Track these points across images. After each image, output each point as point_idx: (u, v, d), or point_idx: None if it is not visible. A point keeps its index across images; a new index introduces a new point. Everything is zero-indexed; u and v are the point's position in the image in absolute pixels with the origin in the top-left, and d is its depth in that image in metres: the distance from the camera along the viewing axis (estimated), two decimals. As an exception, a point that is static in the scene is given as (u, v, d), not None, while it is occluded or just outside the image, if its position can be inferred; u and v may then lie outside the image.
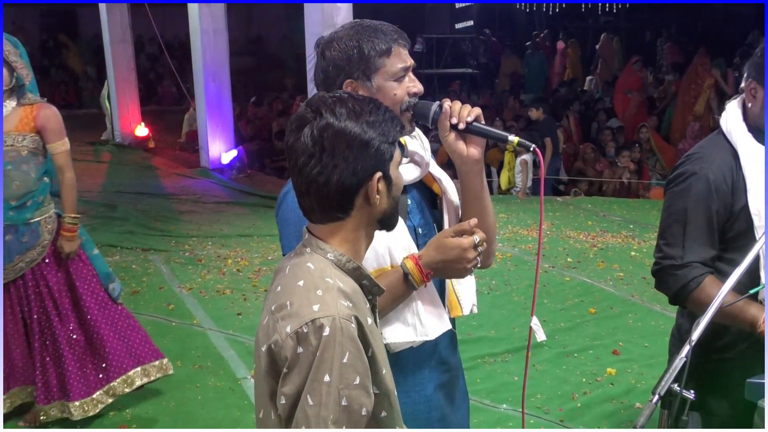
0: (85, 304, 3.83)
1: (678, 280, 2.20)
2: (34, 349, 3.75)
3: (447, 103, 1.86)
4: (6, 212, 3.62)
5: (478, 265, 1.85)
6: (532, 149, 1.84)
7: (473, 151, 1.88)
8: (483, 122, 1.87)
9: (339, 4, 6.76)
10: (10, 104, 3.64)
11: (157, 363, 4.02)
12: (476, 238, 1.80)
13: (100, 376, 3.85)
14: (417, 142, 1.95)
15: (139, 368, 3.95)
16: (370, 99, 1.57)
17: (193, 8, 9.83)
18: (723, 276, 2.10)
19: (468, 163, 1.89)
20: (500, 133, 1.87)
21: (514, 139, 1.84)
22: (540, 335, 1.99)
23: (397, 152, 1.57)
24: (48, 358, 3.77)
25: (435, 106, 1.86)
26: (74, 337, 3.80)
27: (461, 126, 1.85)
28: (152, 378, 3.99)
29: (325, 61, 1.87)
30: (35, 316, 3.74)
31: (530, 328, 1.98)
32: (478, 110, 1.86)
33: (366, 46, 1.83)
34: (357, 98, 1.55)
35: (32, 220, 3.73)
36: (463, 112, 1.85)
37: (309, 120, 1.51)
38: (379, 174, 1.53)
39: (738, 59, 10.97)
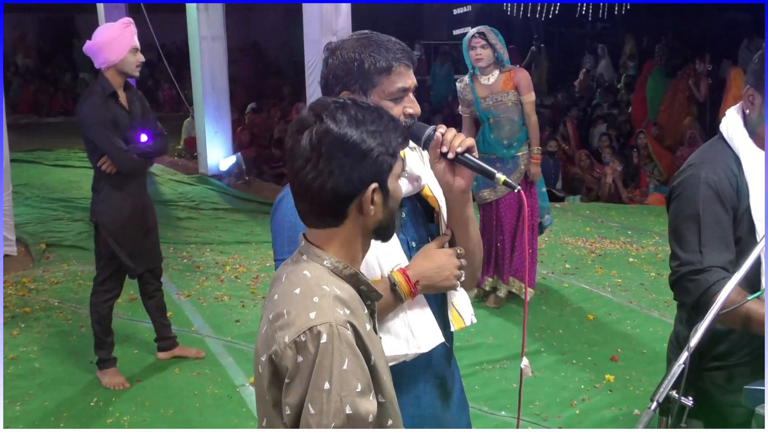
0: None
1: (699, 284, 2.15)
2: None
3: (440, 131, 1.84)
4: (500, 150, 5.27)
5: (463, 278, 1.86)
6: (517, 190, 1.83)
7: (460, 181, 1.86)
8: (475, 155, 1.84)
9: (340, 4, 6.76)
10: (494, 74, 5.23)
11: (531, 290, 5.49)
12: (457, 249, 1.85)
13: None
14: (416, 154, 1.94)
15: (516, 279, 5.42)
16: (375, 108, 1.55)
17: (191, 15, 9.84)
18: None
19: (454, 192, 1.88)
20: (489, 169, 1.84)
21: (500, 177, 1.82)
22: (527, 373, 2.01)
23: (399, 164, 1.56)
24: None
25: (429, 130, 1.83)
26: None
27: (451, 155, 1.83)
28: (513, 290, 5.45)
29: (327, 69, 1.87)
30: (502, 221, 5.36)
31: (521, 369, 1.98)
32: (470, 141, 1.83)
33: (367, 61, 1.82)
34: (361, 105, 1.53)
35: (516, 154, 5.28)
36: (455, 142, 1.82)
37: (309, 124, 1.50)
38: (374, 185, 1.51)
39: (710, 66, 11.04)
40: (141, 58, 4.24)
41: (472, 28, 5.32)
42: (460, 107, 5.47)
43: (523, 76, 5.24)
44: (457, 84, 5.41)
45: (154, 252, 4.57)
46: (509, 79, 5.21)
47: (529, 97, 5.24)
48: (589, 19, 14.06)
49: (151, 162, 4.55)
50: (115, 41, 4.12)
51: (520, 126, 5.28)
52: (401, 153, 1.92)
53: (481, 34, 5.16)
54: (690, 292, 2.19)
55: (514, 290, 5.47)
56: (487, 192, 5.34)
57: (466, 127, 5.47)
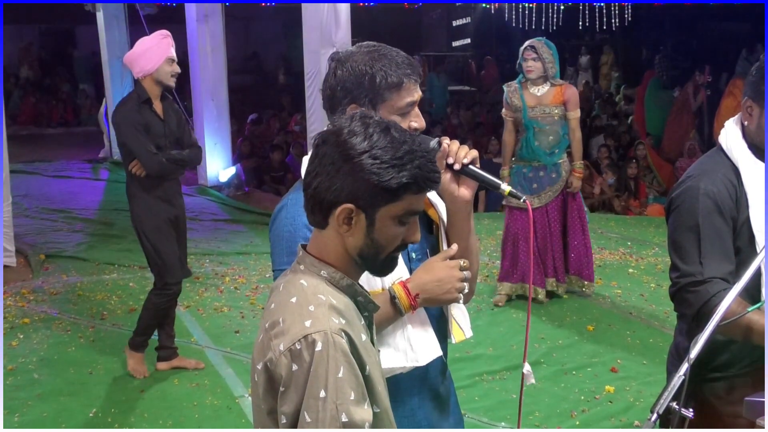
0: (571, 222, 5.69)
1: (700, 296, 2.15)
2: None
3: (446, 142, 1.85)
4: (543, 157, 5.50)
5: (465, 290, 1.85)
6: (522, 200, 1.85)
7: (464, 192, 1.87)
8: (478, 166, 1.86)
9: (339, 15, 6.78)
10: (545, 86, 5.46)
11: (586, 283, 5.73)
12: (461, 261, 1.83)
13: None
14: None
15: (575, 276, 5.74)
16: (403, 140, 1.50)
17: (191, 27, 9.86)
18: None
19: (457, 203, 1.89)
20: (494, 179, 1.86)
21: (506, 188, 1.84)
22: (530, 380, 2.00)
23: (401, 207, 1.51)
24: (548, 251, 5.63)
25: (434, 142, 1.84)
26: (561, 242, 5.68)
27: (457, 167, 1.84)
28: (574, 288, 5.78)
29: (335, 80, 1.86)
30: (551, 226, 5.61)
31: (522, 374, 1.98)
32: (475, 153, 1.85)
33: (378, 76, 1.82)
34: (393, 133, 1.50)
35: (558, 161, 5.54)
36: (460, 153, 1.84)
37: (338, 122, 1.53)
38: (348, 205, 1.49)
39: (710, 78, 11.10)
40: (177, 68, 4.40)
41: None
42: (503, 110, 5.67)
43: (572, 93, 5.54)
44: (505, 88, 5.61)
45: (185, 260, 4.67)
46: (559, 94, 5.47)
47: (576, 114, 5.53)
48: (588, 30, 14.13)
49: (183, 170, 4.67)
50: (151, 51, 4.30)
51: (562, 136, 5.54)
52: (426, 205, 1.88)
53: (532, 48, 5.41)
54: (691, 304, 2.19)
55: (574, 287, 5.77)
56: (529, 199, 5.44)
57: (508, 130, 5.67)
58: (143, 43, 4.38)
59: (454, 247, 1.83)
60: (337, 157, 1.48)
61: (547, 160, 5.52)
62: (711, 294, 2.13)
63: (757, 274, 1.99)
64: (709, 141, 10.33)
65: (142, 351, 4.63)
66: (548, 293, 5.73)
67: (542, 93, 5.47)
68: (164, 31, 4.40)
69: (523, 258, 5.64)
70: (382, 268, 1.59)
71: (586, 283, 5.75)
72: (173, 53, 4.36)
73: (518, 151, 5.62)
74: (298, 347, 1.42)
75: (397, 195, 1.49)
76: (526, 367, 1.98)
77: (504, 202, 5.73)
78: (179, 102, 12.20)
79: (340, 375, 1.41)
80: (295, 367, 1.43)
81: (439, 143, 1.85)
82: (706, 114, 10.99)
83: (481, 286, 5.73)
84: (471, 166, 1.84)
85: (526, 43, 5.47)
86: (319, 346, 1.41)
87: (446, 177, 1.86)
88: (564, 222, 5.68)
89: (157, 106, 4.44)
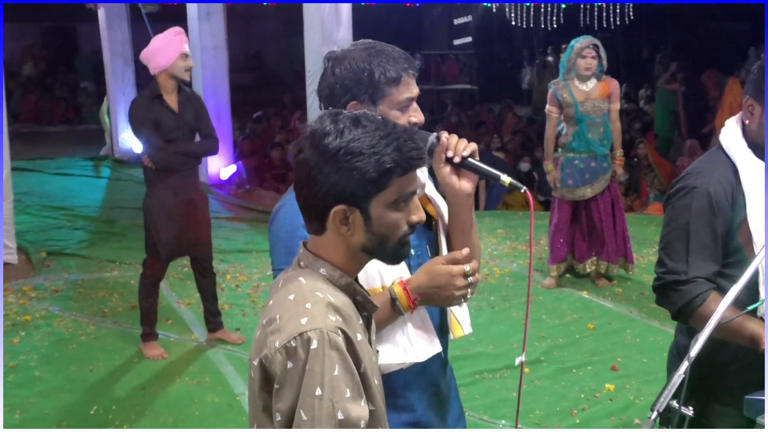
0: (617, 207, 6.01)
1: (682, 295, 2.19)
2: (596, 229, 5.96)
3: (444, 136, 1.86)
4: (597, 147, 5.77)
5: (469, 296, 1.84)
6: (522, 191, 1.84)
7: (465, 185, 1.88)
8: (478, 158, 1.86)
9: (341, 14, 6.78)
10: (591, 81, 5.75)
11: (630, 264, 6.03)
12: (466, 267, 1.79)
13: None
14: None
15: (621, 258, 6.01)
16: (381, 126, 1.48)
17: (192, 25, 9.86)
18: (722, 291, 2.09)
19: (459, 196, 1.89)
20: (493, 171, 1.86)
21: (506, 179, 1.84)
22: (520, 359, 2.01)
23: (391, 193, 1.49)
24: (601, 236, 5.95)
25: (432, 137, 1.85)
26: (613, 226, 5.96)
27: (456, 160, 1.84)
28: (609, 271, 6.04)
29: (333, 78, 1.86)
30: (602, 214, 5.91)
31: (521, 364, 1.98)
32: (474, 146, 1.86)
33: (377, 71, 1.83)
34: (363, 122, 1.48)
35: (606, 153, 5.83)
36: (459, 146, 1.85)
37: (310, 126, 1.51)
38: (340, 206, 1.48)
39: (682, 74, 11.11)
40: (190, 63, 4.62)
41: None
42: (548, 107, 5.90)
43: (615, 86, 5.86)
44: (552, 86, 5.85)
45: (200, 242, 4.99)
46: (605, 87, 5.78)
47: (617, 106, 5.87)
48: (589, 29, 14.12)
49: (197, 161, 4.87)
50: (165, 48, 4.51)
51: (609, 128, 5.85)
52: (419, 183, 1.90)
53: (595, 46, 5.72)
54: (673, 302, 2.23)
55: (620, 268, 6.09)
56: (583, 189, 5.85)
57: (552, 125, 5.90)
58: (158, 40, 4.55)
59: (465, 251, 1.80)
60: (316, 161, 1.47)
61: (599, 150, 5.79)
62: (693, 295, 2.17)
63: (754, 275, 1.99)
64: (692, 137, 10.24)
65: (153, 340, 4.90)
66: (598, 275, 6.06)
67: (590, 88, 5.74)
68: (177, 28, 4.57)
69: (576, 239, 5.99)
70: (394, 256, 1.57)
71: (629, 264, 6.05)
72: (186, 49, 4.55)
73: (569, 144, 5.83)
74: (294, 345, 1.42)
75: (384, 182, 1.47)
76: (521, 359, 1.98)
77: (553, 194, 6.02)
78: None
79: (335, 373, 1.41)
80: (290, 364, 1.42)
81: (438, 137, 1.86)
82: (682, 111, 10.92)
83: (481, 284, 5.73)
84: (470, 159, 1.85)
85: (585, 41, 5.72)
86: (314, 344, 1.41)
87: (446, 170, 1.86)
88: (612, 208, 5.98)
89: (171, 99, 4.62)
